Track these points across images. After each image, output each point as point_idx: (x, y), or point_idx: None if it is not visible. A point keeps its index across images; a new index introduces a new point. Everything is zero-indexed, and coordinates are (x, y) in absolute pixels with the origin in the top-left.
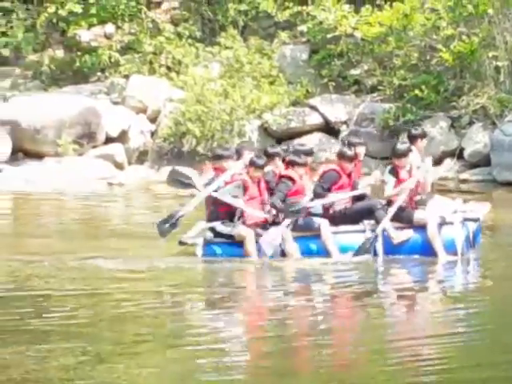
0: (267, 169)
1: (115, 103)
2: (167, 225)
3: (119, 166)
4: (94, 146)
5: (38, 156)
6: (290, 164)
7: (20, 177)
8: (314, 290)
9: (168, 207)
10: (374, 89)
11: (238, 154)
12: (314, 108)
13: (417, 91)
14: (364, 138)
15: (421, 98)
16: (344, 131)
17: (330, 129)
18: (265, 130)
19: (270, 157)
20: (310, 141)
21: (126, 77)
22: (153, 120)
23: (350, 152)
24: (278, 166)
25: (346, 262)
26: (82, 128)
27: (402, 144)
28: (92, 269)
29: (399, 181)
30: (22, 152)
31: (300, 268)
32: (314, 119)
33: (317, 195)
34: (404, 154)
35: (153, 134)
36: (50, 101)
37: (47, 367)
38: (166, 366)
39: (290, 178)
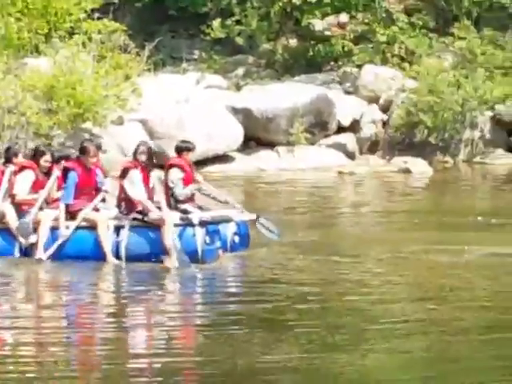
0: None
1: (347, 93)
2: None
3: (350, 156)
4: (326, 136)
5: (270, 145)
6: None
7: (252, 165)
8: None
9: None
10: None
11: None
12: None
13: None
14: None
15: None
16: None
17: None
18: (497, 122)
19: None
20: None
21: (359, 66)
22: (385, 110)
23: None
24: None
25: None
26: (315, 117)
27: None
28: None
29: None
30: (254, 140)
31: None
32: None
33: None
34: None
35: (384, 123)
36: (283, 90)
37: None
38: None
39: None
